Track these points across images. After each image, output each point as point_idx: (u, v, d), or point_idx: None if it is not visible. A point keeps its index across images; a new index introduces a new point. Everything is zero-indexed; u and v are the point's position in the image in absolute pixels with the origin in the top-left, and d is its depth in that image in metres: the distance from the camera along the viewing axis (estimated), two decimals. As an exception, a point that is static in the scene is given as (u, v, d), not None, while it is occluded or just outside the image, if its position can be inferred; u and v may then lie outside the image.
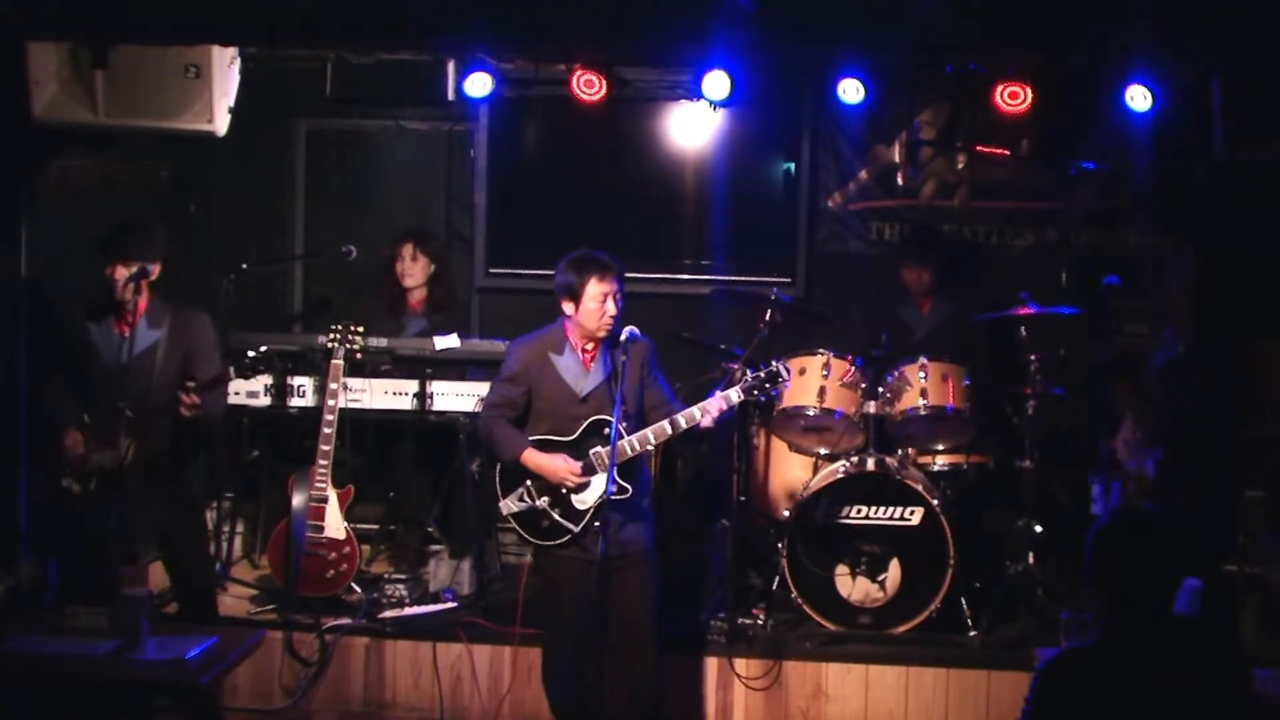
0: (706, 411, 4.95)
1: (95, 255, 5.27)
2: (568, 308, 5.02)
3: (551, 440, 5.00)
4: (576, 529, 4.97)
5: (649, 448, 5.01)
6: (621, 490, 4.90)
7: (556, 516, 4.98)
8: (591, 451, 4.96)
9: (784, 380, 5.06)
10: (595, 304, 4.95)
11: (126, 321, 5.26)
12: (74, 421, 5.24)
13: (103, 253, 5.24)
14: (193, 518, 5.72)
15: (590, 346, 5.05)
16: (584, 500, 4.96)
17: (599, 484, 4.94)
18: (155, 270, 5.27)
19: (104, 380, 5.23)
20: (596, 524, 4.90)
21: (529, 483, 5.00)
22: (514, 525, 5.08)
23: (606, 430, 4.89)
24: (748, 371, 5.09)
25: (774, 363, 5.06)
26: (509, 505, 5.05)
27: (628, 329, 5.02)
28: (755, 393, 5.03)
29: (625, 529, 4.97)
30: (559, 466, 4.95)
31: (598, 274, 4.94)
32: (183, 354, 5.31)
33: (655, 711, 5.18)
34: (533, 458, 4.97)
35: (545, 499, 4.98)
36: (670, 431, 4.95)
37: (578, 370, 5.04)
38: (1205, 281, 5.68)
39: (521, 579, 5.65)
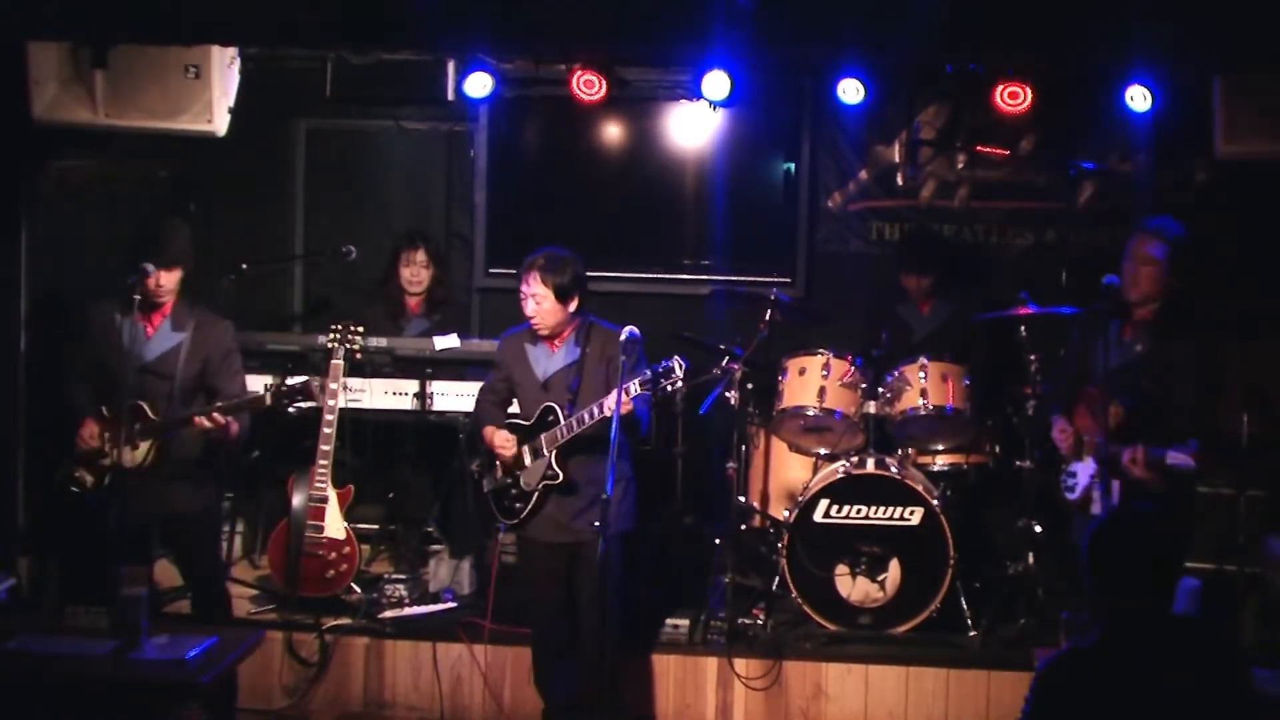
0: (602, 403, 4.97)
1: (130, 255, 5.20)
2: None
3: (519, 424, 5.24)
4: (526, 509, 5.19)
5: (574, 434, 5.06)
6: (554, 476, 5.09)
7: (514, 494, 5.24)
8: (543, 435, 5.15)
9: (677, 377, 4.84)
10: (523, 299, 5.17)
11: (150, 321, 5.25)
12: (92, 414, 5.22)
13: (143, 257, 5.16)
14: (210, 521, 5.66)
15: (557, 339, 5.21)
16: (528, 481, 5.18)
17: (539, 467, 5.14)
18: (178, 273, 5.23)
19: (125, 376, 5.20)
20: (545, 507, 5.15)
21: (496, 461, 5.28)
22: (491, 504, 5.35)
23: (551, 417, 5.12)
24: (649, 368, 4.91)
25: (673, 360, 4.86)
26: (486, 483, 5.35)
27: (627, 329, 4.99)
28: (649, 387, 4.86)
29: (579, 517, 5.12)
30: (494, 439, 5.21)
31: (521, 272, 5.16)
32: (203, 360, 5.31)
33: (611, 699, 5.19)
34: (487, 433, 5.27)
35: (508, 478, 5.24)
36: (588, 420, 5.00)
37: (545, 359, 5.22)
38: (1171, 281, 5.65)
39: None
